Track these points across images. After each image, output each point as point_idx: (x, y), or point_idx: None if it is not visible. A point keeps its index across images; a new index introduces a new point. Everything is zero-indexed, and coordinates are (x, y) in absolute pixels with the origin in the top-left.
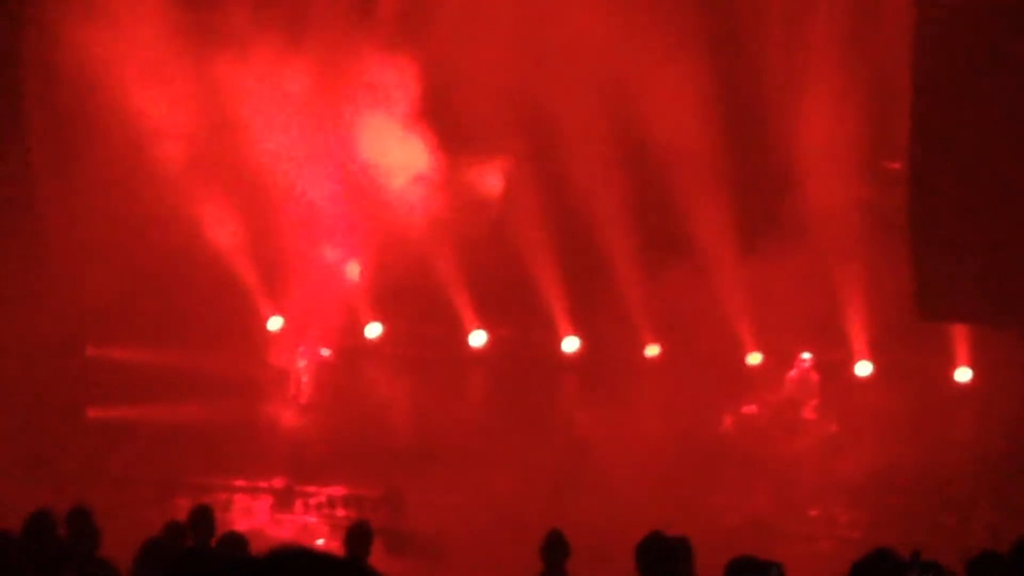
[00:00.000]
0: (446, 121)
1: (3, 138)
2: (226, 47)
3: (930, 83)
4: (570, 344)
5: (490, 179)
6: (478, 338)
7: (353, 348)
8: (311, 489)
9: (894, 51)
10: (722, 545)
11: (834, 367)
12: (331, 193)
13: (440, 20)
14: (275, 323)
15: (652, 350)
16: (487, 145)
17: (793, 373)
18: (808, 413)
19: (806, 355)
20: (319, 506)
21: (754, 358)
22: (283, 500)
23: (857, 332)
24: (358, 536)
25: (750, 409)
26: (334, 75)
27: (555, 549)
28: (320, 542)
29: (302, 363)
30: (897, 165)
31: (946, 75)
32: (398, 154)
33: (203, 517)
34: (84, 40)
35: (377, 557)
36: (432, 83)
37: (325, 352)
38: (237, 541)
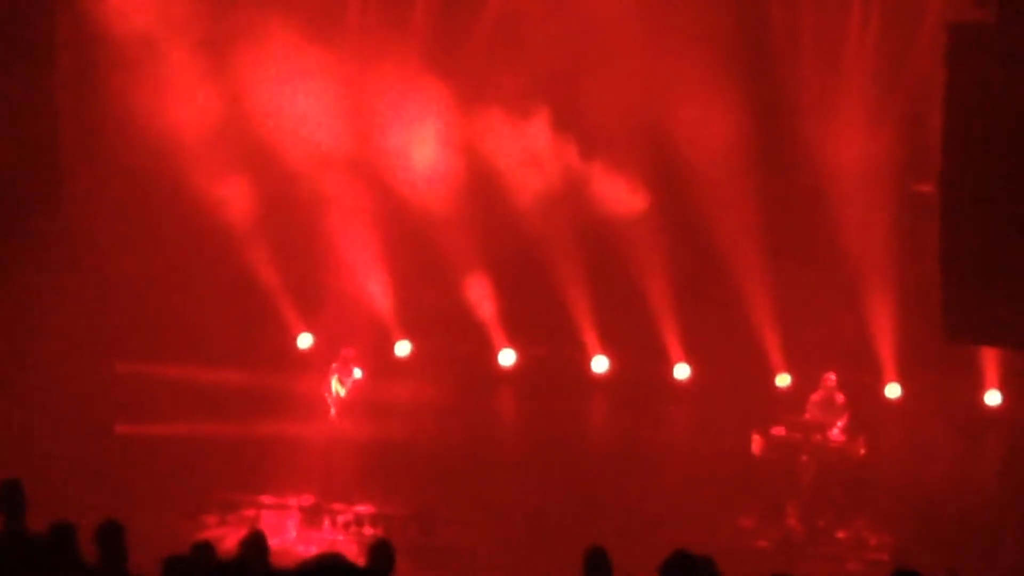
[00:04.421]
0: (483, 127)
1: (34, 155)
2: (269, 48)
3: (962, 106)
4: (599, 364)
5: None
6: (508, 357)
7: (383, 366)
8: (339, 507)
9: (926, 74)
10: (750, 567)
11: (863, 389)
12: (365, 210)
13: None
14: (305, 340)
15: (681, 371)
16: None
17: (821, 395)
18: (837, 435)
19: (833, 376)
20: (347, 524)
21: (783, 379)
22: (311, 518)
23: (887, 354)
24: (380, 553)
25: (778, 430)
26: (370, 83)
27: (598, 567)
28: None
29: (331, 381)
30: (928, 187)
31: (978, 99)
32: (432, 168)
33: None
34: (119, 53)
35: (408, 575)
36: (463, 95)
37: (355, 370)
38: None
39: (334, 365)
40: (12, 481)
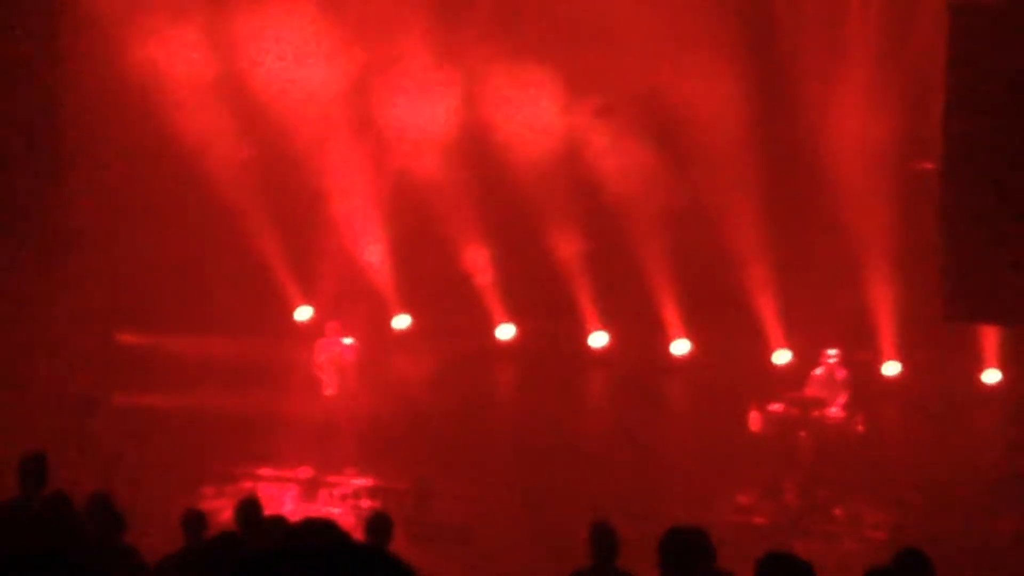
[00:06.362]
0: (485, 95)
1: (37, 127)
2: (269, 10)
3: (963, 84)
4: (598, 339)
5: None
6: (506, 331)
7: (381, 339)
8: (337, 479)
9: (928, 52)
10: (747, 543)
11: (862, 366)
12: (363, 182)
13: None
14: (303, 313)
15: (680, 346)
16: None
17: (820, 371)
18: (835, 412)
19: (832, 352)
20: (344, 497)
21: (782, 356)
22: (309, 490)
23: (885, 332)
24: (378, 526)
25: (777, 407)
26: (372, 47)
27: (605, 541)
28: None
29: (330, 353)
30: (929, 165)
31: (979, 77)
32: (432, 137)
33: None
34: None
35: (404, 548)
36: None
37: (353, 343)
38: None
39: (328, 339)
40: (38, 453)
